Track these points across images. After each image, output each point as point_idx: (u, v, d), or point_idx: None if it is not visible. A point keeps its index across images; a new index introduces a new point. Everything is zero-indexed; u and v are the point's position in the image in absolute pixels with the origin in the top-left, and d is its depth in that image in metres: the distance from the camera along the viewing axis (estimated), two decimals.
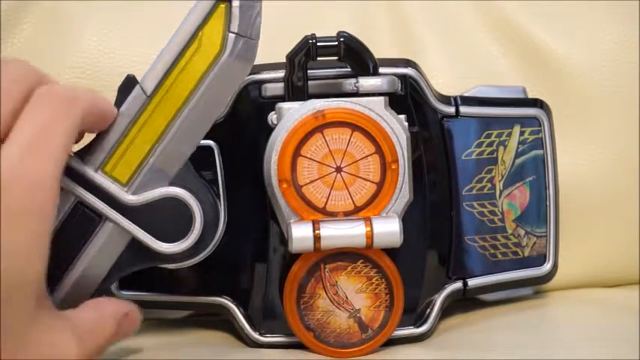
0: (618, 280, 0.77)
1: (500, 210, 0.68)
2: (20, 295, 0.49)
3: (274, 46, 0.68)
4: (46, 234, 0.50)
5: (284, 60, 0.63)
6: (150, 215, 0.58)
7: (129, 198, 0.58)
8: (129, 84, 0.58)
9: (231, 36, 0.58)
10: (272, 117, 0.63)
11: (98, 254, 0.58)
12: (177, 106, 0.58)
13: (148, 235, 0.58)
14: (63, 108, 0.52)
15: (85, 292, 0.59)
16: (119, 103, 0.58)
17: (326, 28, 0.65)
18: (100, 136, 0.58)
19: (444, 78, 0.75)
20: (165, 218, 0.59)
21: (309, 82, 0.63)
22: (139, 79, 0.58)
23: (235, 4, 0.58)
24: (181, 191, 0.58)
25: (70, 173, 0.58)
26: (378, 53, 0.63)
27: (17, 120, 0.51)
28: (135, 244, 0.58)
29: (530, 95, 0.71)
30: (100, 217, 0.58)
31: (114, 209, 0.58)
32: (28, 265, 0.49)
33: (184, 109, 0.58)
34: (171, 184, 0.58)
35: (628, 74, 0.77)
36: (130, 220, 0.58)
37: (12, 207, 0.49)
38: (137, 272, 0.60)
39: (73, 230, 0.58)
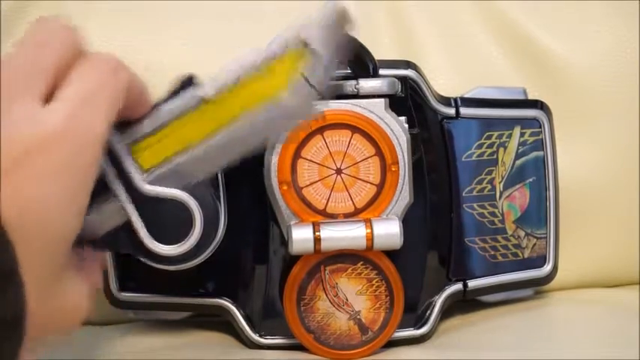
0: (618, 280, 0.77)
1: (501, 211, 0.68)
2: (53, 250, 0.48)
3: None
4: (86, 193, 0.49)
5: None
6: (152, 211, 0.58)
7: (143, 185, 0.57)
8: (188, 82, 0.58)
9: (301, 80, 0.57)
10: None
11: (96, 217, 0.57)
12: (222, 122, 0.57)
13: (146, 232, 0.58)
14: (110, 75, 0.51)
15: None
16: (173, 94, 0.57)
17: None
18: (140, 119, 0.57)
19: (444, 79, 0.75)
20: (165, 219, 0.58)
21: None
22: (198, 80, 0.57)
23: (317, 53, 0.57)
24: (182, 193, 0.58)
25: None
26: (378, 54, 0.63)
27: (65, 80, 0.49)
28: (132, 228, 0.58)
29: (531, 96, 0.71)
30: (109, 192, 0.57)
31: (125, 190, 0.57)
32: (65, 221, 0.48)
33: (228, 127, 0.57)
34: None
35: (628, 74, 0.77)
36: (135, 206, 0.57)
37: (60, 160, 0.47)
38: (137, 274, 0.60)
39: None
